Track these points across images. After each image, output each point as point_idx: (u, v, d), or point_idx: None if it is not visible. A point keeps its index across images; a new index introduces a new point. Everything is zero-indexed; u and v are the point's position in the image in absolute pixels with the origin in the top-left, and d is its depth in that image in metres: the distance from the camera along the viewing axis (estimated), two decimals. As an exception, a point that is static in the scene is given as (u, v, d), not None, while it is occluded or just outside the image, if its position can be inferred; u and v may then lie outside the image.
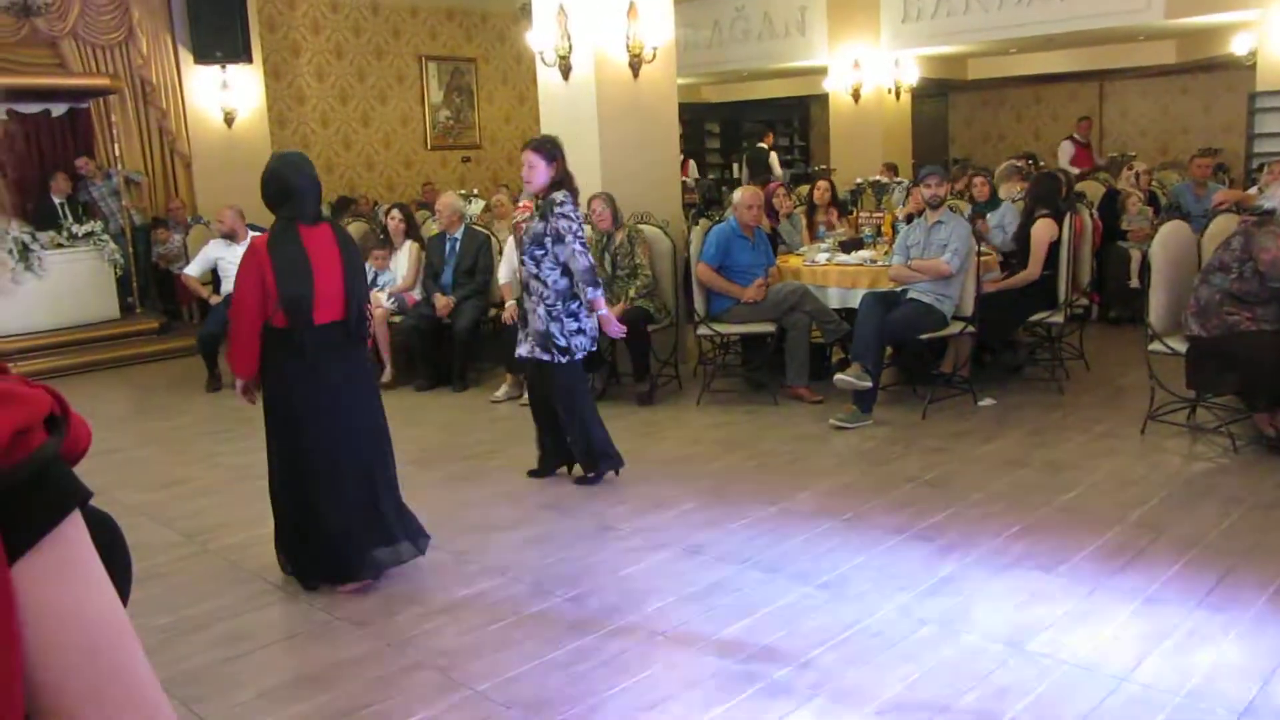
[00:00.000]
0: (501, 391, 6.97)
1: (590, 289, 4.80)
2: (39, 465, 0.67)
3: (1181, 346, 5.41)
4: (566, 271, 4.83)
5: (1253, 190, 8.48)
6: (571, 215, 4.78)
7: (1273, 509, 4.48)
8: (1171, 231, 5.86)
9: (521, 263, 4.93)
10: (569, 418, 5.02)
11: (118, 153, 10.15)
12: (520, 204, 5.33)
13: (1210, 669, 3.12)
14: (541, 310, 4.86)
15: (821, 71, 14.07)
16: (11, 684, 0.65)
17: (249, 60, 11.15)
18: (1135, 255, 8.14)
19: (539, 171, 4.80)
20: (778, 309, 6.48)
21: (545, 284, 4.85)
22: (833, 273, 6.69)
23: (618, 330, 5.04)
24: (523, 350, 5.01)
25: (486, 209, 9.75)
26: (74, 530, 0.70)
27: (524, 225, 4.90)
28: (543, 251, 4.82)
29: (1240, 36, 12.08)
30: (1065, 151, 12.87)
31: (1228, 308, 5.13)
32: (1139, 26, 12.01)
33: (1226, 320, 5.13)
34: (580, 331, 4.92)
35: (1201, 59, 14.04)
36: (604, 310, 4.88)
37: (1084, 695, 3.00)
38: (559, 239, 4.77)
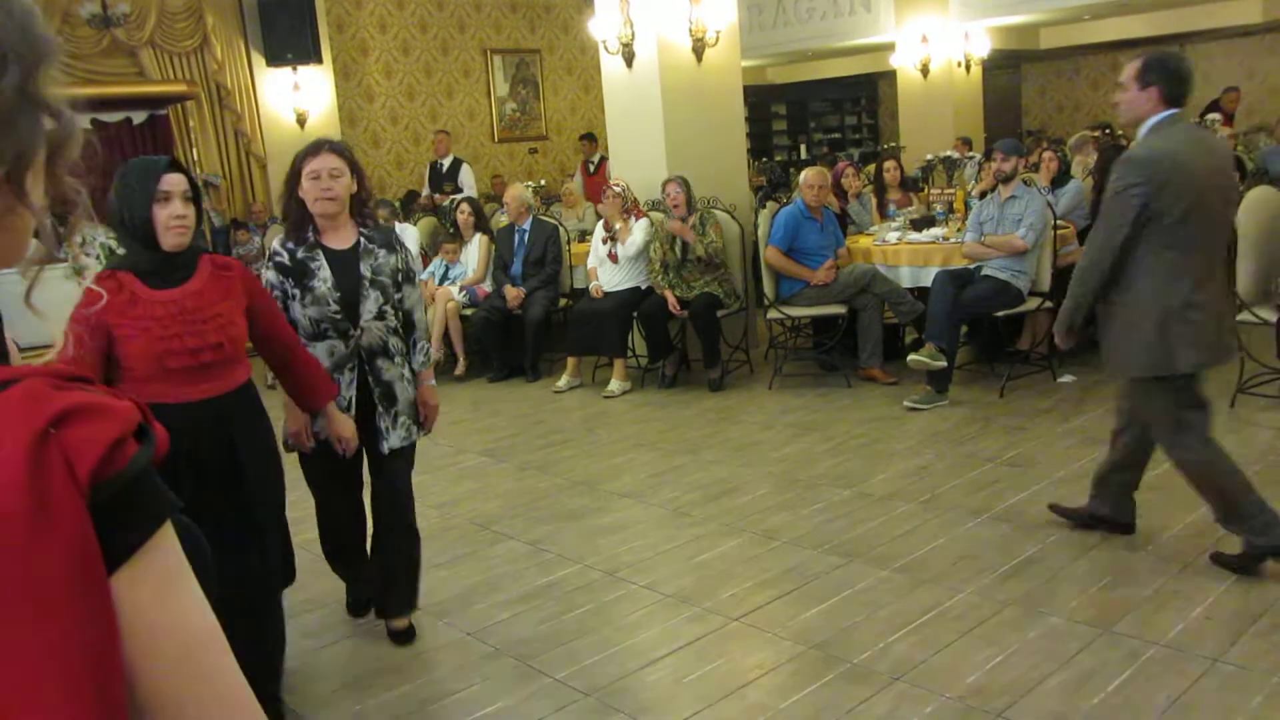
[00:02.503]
0: (563, 381, 7.02)
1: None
2: (134, 476, 0.69)
3: (1271, 316, 5.22)
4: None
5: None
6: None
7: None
8: (1259, 197, 5.65)
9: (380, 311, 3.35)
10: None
11: (195, 157, 10.42)
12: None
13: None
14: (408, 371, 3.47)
15: (889, 47, 13.81)
16: (115, 690, 0.67)
17: (319, 61, 11.34)
18: (1221, 223, 7.85)
19: None
20: (847, 291, 6.41)
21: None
22: (904, 252, 6.59)
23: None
24: (395, 439, 3.46)
25: (549, 201, 9.82)
26: (167, 539, 0.72)
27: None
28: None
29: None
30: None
31: (1320, 274, 4.94)
32: (1220, -15, 11.56)
33: (1319, 287, 4.94)
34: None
35: (1289, 16, 13.48)
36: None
37: (1174, 677, 2.92)
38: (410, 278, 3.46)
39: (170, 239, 2.78)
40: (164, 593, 0.71)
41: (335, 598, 3.94)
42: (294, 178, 3.22)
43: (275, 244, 3.33)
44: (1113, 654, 3.09)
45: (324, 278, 3.23)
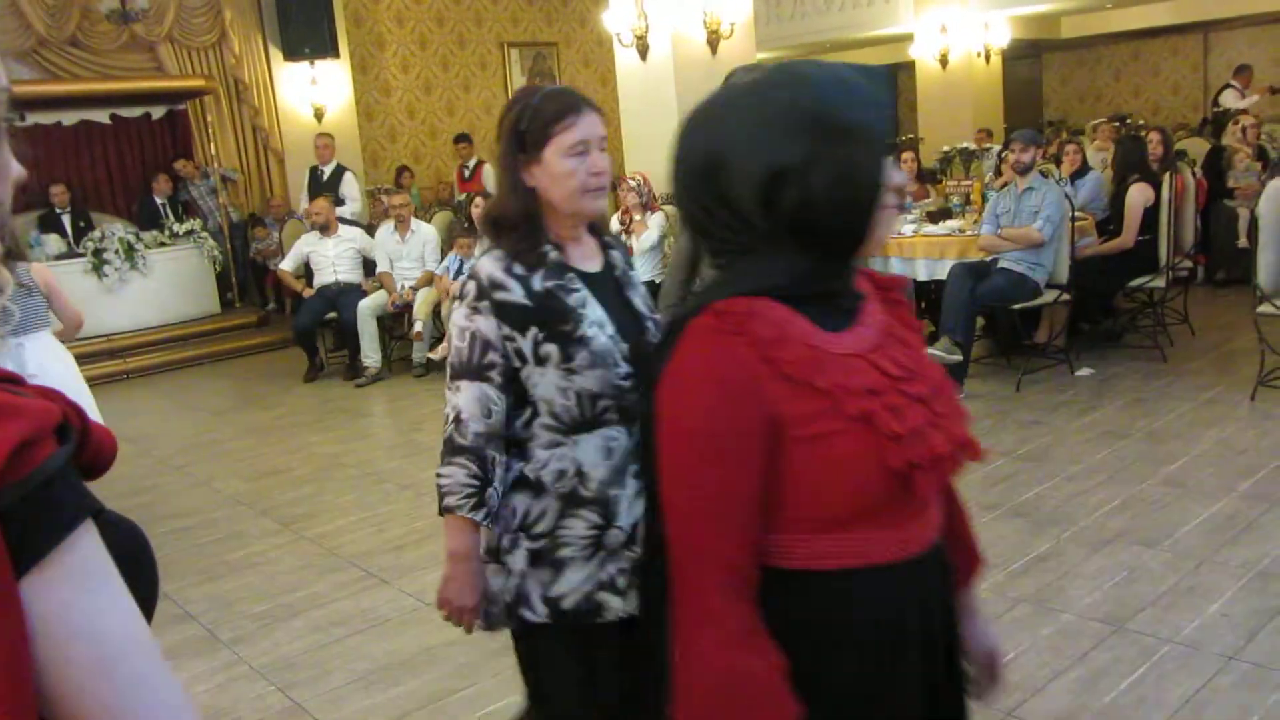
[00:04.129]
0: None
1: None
2: (45, 478, 0.66)
3: (1293, 308, 5.15)
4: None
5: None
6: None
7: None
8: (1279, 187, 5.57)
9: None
10: None
11: (214, 152, 10.47)
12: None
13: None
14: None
15: (907, 38, 13.71)
16: (23, 700, 0.65)
17: (336, 55, 11.37)
18: (1243, 214, 7.76)
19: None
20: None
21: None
22: (920, 244, 6.53)
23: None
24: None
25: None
26: (86, 542, 0.69)
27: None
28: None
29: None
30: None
31: (1343, 266, 4.86)
32: (1244, -28, 11.41)
33: (1342, 279, 4.86)
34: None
35: (1315, 3, 13.27)
36: None
37: (1189, 675, 2.88)
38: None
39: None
40: (80, 597, 0.68)
41: (344, 593, 3.94)
42: (522, 149, 1.89)
43: (488, 268, 1.88)
44: (1126, 651, 3.05)
45: (596, 320, 1.88)
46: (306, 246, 7.99)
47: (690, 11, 7.08)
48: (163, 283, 8.98)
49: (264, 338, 9.44)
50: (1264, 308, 5.33)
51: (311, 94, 11.37)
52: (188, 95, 10.32)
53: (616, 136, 10.07)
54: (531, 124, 1.89)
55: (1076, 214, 6.17)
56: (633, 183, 6.94)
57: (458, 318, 1.91)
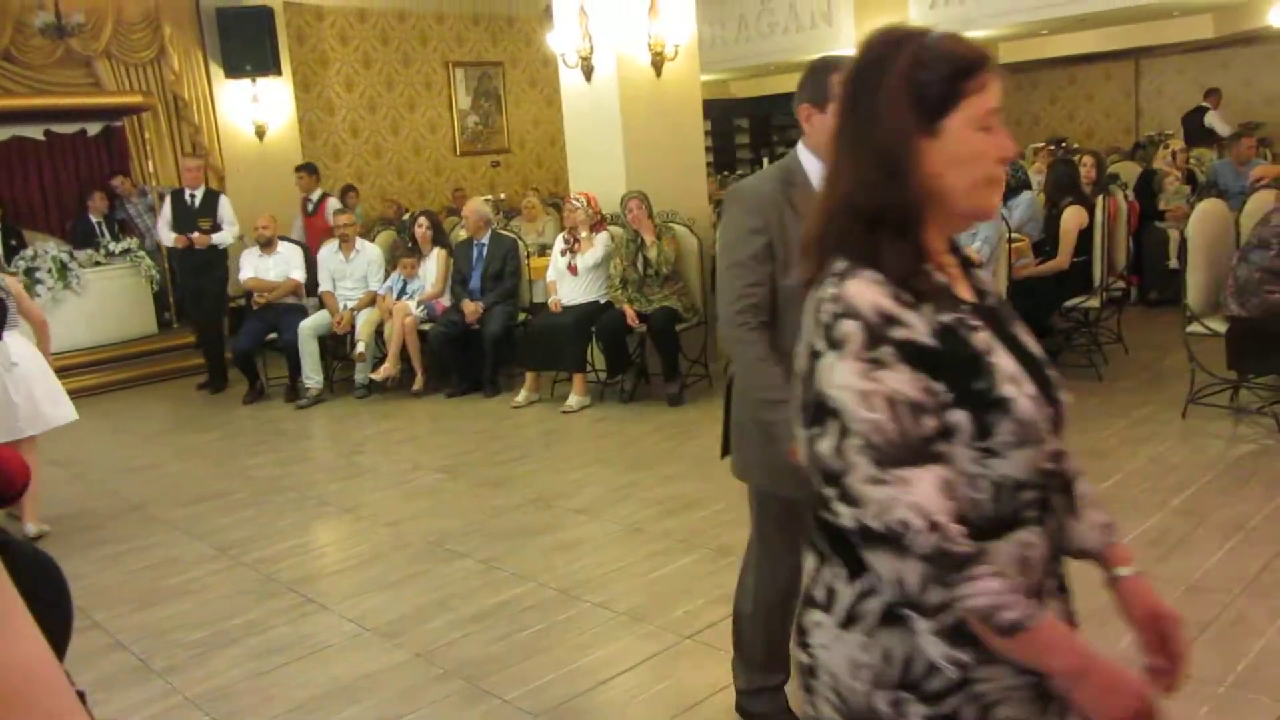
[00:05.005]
0: (522, 396, 6.97)
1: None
2: None
3: (1221, 327, 5.29)
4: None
5: (1295, 165, 8.27)
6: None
7: (1320, 493, 4.35)
8: (1208, 209, 5.73)
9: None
10: None
11: (152, 169, 10.29)
12: None
13: (1256, 658, 3.04)
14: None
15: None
16: None
17: (279, 73, 11.25)
18: (1174, 235, 7.97)
19: None
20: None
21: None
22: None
23: None
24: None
25: (510, 215, 9.76)
26: None
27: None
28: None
29: (1278, 8, 11.78)
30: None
31: (1268, 286, 5.00)
32: (1174, 2, 11.78)
33: (1267, 299, 5.00)
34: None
35: (1240, 32, 13.71)
36: None
37: (1123, 691, 2.92)
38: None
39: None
40: None
41: (282, 619, 3.87)
42: (920, 113, 1.31)
43: (870, 297, 1.29)
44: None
45: (1009, 375, 1.32)
46: (250, 262, 7.88)
47: (635, 34, 7.11)
48: (98, 302, 8.78)
49: (203, 359, 9.25)
50: (1194, 327, 5.47)
51: (253, 111, 11.23)
52: (125, 111, 10.13)
53: (562, 157, 10.09)
54: (933, 76, 1.31)
55: (1013, 235, 6.29)
56: (578, 202, 6.95)
57: (845, 378, 1.25)
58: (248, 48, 10.94)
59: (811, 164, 2.52)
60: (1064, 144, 11.23)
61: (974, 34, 13.48)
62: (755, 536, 2.84)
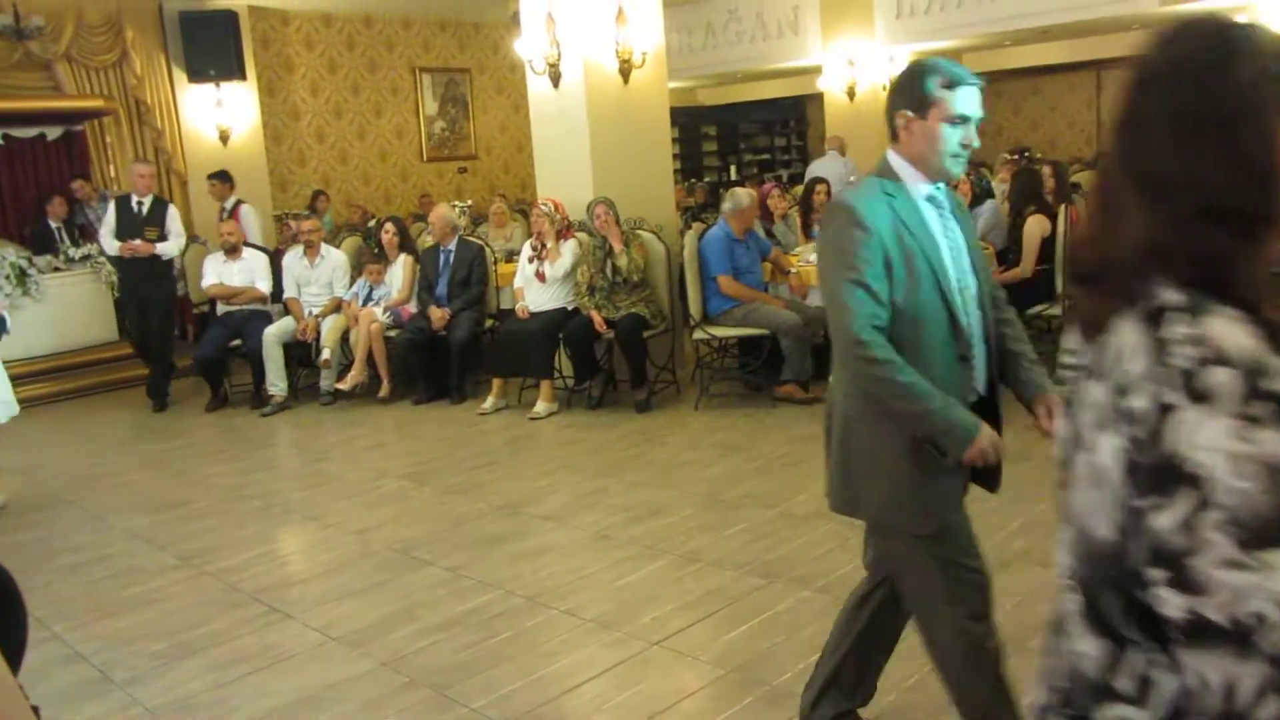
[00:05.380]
0: (489, 403, 6.94)
1: None
2: None
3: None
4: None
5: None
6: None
7: None
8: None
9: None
10: None
11: (113, 174, 10.17)
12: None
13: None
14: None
15: (816, 70, 14.02)
16: None
17: (243, 78, 11.18)
18: (1134, 244, 8.08)
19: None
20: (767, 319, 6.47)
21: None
22: (828, 272, 6.66)
23: None
24: None
25: (478, 221, 9.73)
26: None
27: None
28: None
29: (1235, 21, 12.00)
30: None
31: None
32: (1134, 15, 11.94)
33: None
34: None
35: (1198, 45, 13.95)
36: None
37: (1085, 694, 2.96)
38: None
39: None
40: None
41: (246, 629, 3.83)
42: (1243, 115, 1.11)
43: (1239, 341, 1.04)
44: (1027, 669, 3.12)
45: None
46: (213, 268, 7.80)
47: (603, 40, 7.12)
48: (57, 309, 8.65)
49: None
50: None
51: (217, 116, 11.15)
52: (86, 116, 10.01)
53: (529, 163, 10.07)
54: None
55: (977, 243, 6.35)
56: (545, 207, 6.94)
57: (1216, 439, 1.03)
58: (211, 52, 10.86)
59: (908, 173, 2.39)
60: (1027, 153, 11.37)
61: (938, 44, 13.65)
62: (905, 595, 2.65)
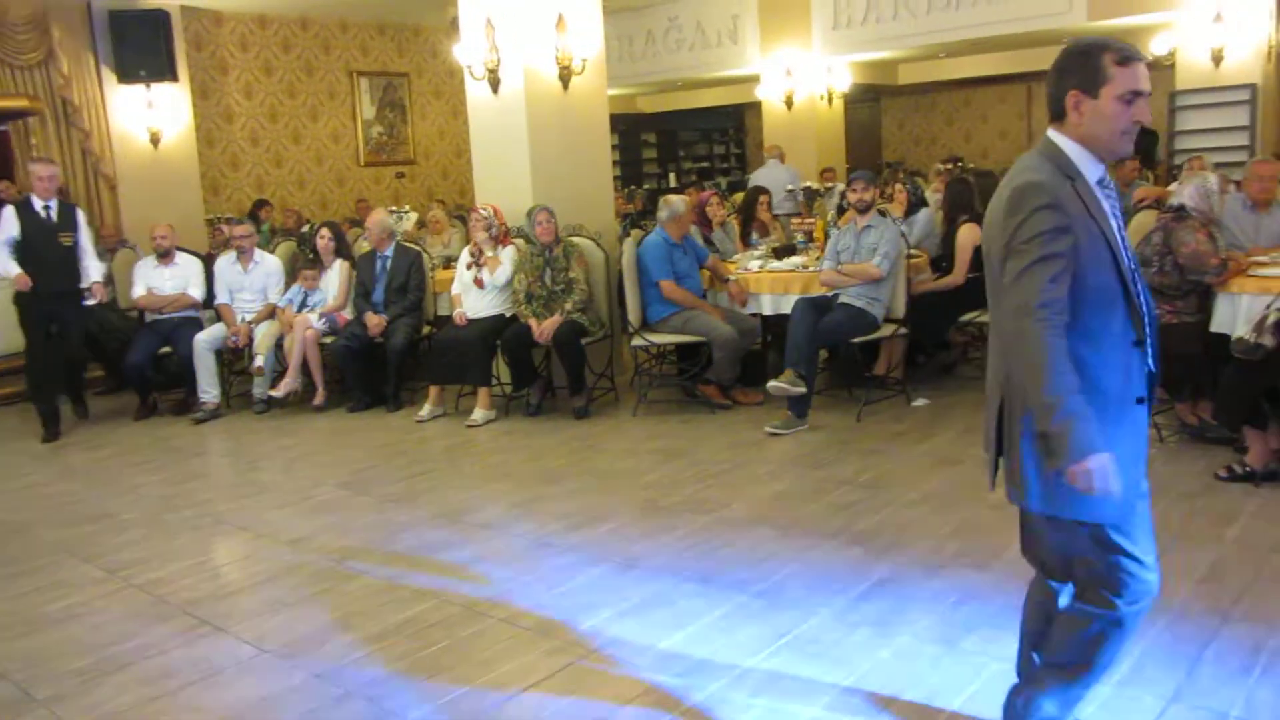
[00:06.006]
0: (426, 410, 6.88)
1: None
2: None
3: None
4: None
5: (1173, 186, 8.66)
6: None
7: (1197, 497, 4.56)
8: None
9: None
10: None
11: (39, 177, 9.88)
12: None
13: (1140, 657, 3.16)
14: None
15: (755, 79, 14.15)
16: None
17: (175, 79, 10.97)
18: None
19: None
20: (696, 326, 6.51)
21: None
22: (765, 280, 6.72)
23: None
24: None
25: (421, 225, 9.65)
26: None
27: None
28: None
29: (1160, 37, 12.35)
30: None
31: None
32: (1062, 29, 12.23)
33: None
34: None
35: (1124, 59, 14.34)
36: None
37: (1015, 694, 3.01)
38: None
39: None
40: None
41: (176, 643, 3.75)
42: None
43: None
44: (961, 670, 3.18)
45: None
46: (144, 274, 7.63)
47: (542, 47, 7.11)
48: (-22, 315, 8.38)
49: (90, 374, 8.91)
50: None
51: (148, 118, 10.92)
52: (10, 115, 9.75)
53: (468, 169, 10.01)
54: None
55: (912, 251, 6.46)
56: (484, 213, 6.90)
57: None
58: (142, 52, 10.64)
59: (1079, 154, 2.36)
60: (960, 163, 11.58)
61: (873, 55, 13.87)
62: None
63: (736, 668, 3.28)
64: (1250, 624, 3.35)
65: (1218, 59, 11.03)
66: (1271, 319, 4.61)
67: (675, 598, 3.85)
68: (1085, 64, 2.31)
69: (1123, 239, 2.39)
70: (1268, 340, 4.55)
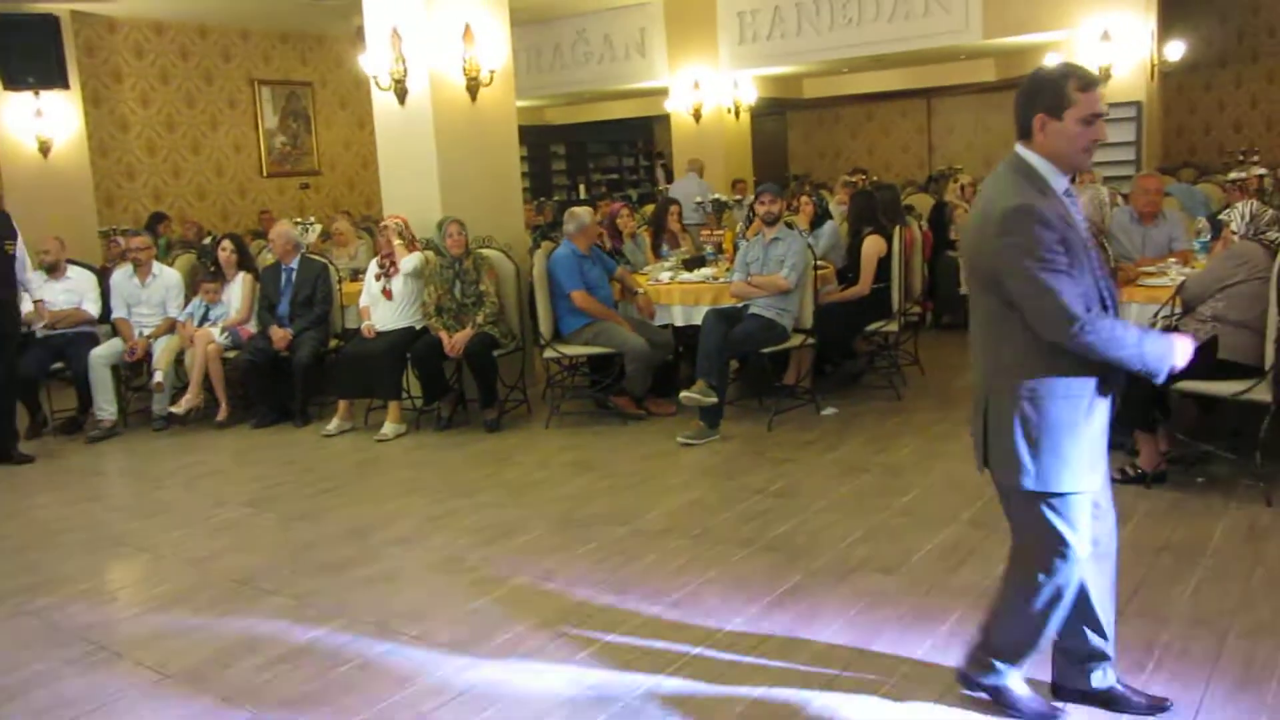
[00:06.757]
0: (334, 425, 6.76)
1: None
2: None
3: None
4: None
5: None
6: None
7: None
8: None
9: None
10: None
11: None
12: None
13: (1044, 658, 3.25)
14: None
15: (663, 92, 14.27)
16: None
17: (65, 86, 10.64)
18: (964, 263, 8.50)
19: None
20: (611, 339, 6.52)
21: None
22: (676, 291, 6.77)
23: None
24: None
25: (326, 237, 9.48)
26: None
27: None
28: None
29: (1052, 55, 12.82)
30: None
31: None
32: (960, 46, 12.63)
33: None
34: None
35: (1018, 76, 14.82)
36: None
37: (928, 690, 3.08)
38: None
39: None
40: None
41: (71, 671, 3.60)
42: None
43: None
44: (872, 673, 3.23)
45: None
46: (32, 288, 7.32)
47: (450, 57, 7.07)
48: None
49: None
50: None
51: (37, 126, 10.56)
52: (-114, 123, 9.31)
53: (375, 180, 9.88)
54: None
55: (818, 262, 6.57)
56: (395, 225, 6.82)
57: None
58: (30, 58, 10.30)
59: (1047, 169, 2.59)
60: (866, 175, 11.84)
61: (778, 70, 14.10)
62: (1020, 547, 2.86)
63: (651, 681, 3.29)
64: (1143, 621, 3.48)
65: (1106, 76, 11.48)
66: (1159, 327, 4.81)
67: (590, 610, 3.85)
68: (1051, 89, 2.56)
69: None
70: None
